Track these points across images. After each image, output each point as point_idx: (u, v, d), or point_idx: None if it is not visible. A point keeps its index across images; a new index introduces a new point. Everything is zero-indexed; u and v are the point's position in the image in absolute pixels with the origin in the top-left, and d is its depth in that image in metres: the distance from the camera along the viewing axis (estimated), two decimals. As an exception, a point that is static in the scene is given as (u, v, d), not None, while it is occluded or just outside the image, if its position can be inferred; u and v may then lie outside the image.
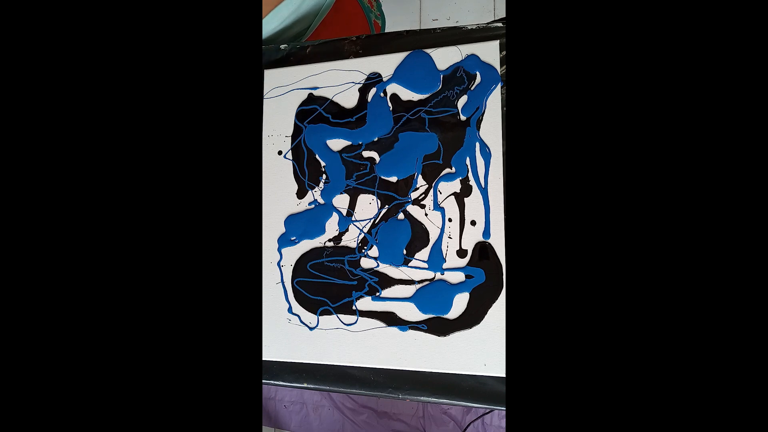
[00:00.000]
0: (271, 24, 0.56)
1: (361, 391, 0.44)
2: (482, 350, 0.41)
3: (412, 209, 0.45)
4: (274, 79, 0.52)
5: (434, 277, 0.44)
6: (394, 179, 0.46)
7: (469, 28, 0.47)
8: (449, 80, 0.46)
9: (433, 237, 0.44)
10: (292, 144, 0.50)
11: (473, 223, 0.43)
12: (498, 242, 0.43)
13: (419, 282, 0.44)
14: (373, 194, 0.47)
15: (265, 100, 0.52)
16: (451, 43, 0.47)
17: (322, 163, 0.48)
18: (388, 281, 0.45)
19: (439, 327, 0.42)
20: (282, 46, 0.53)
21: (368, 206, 0.46)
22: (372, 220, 0.46)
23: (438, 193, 0.45)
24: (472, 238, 0.43)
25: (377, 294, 0.45)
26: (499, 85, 0.45)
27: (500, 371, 0.41)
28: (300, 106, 0.50)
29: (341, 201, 0.47)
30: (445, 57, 0.47)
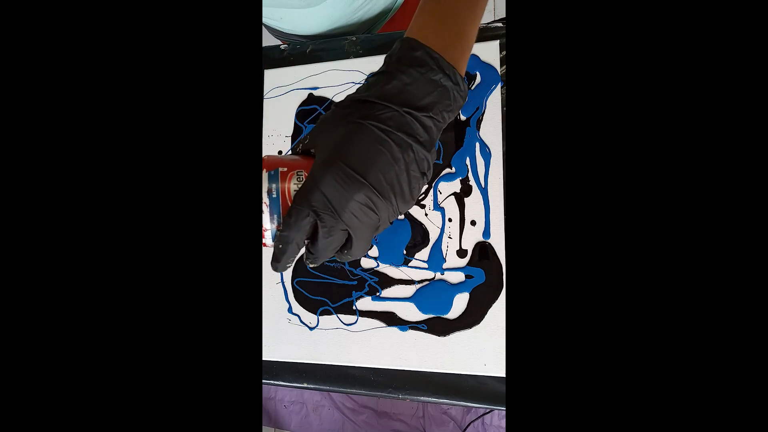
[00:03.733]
0: (339, 21, 0.53)
1: (361, 391, 0.44)
2: (482, 350, 0.41)
3: (412, 209, 0.45)
4: (274, 79, 0.52)
5: (434, 277, 0.44)
6: (394, 179, 0.46)
7: (469, 28, 0.47)
8: (449, 80, 0.46)
9: (433, 237, 0.44)
10: (292, 144, 0.50)
11: (473, 223, 0.43)
12: (498, 242, 0.43)
13: (419, 282, 0.44)
14: (373, 194, 0.47)
15: (265, 100, 0.52)
16: (451, 43, 0.47)
17: (322, 163, 0.48)
18: (388, 281, 0.45)
19: (439, 327, 0.42)
20: (282, 46, 0.54)
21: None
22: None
23: (438, 193, 0.45)
24: (472, 238, 0.43)
25: (377, 294, 0.45)
26: (499, 85, 0.45)
27: (500, 371, 0.41)
28: (300, 106, 0.50)
29: (341, 201, 0.47)
30: (445, 57, 0.47)
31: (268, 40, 0.61)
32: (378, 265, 0.45)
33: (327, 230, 0.26)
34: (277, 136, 0.51)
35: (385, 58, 0.28)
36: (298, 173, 0.28)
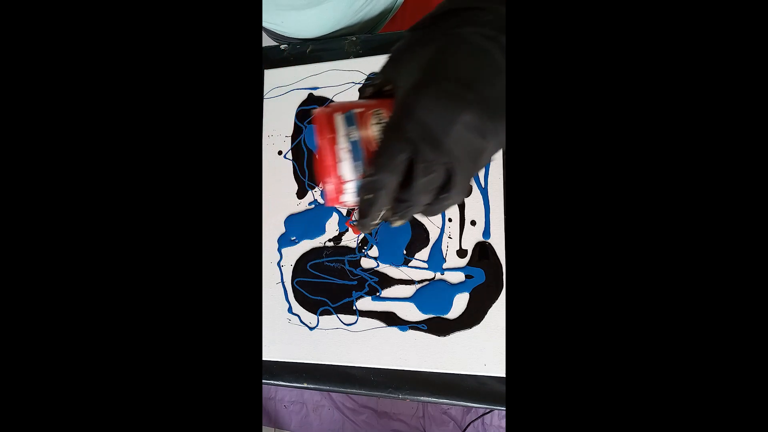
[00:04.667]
0: (341, 22, 0.52)
1: (361, 391, 0.44)
2: (482, 350, 0.41)
3: (412, 209, 0.45)
4: (274, 79, 0.52)
5: (434, 277, 0.44)
6: (394, 179, 0.46)
7: (469, 28, 0.47)
8: (449, 80, 0.46)
9: (433, 237, 0.44)
10: (292, 144, 0.50)
11: (473, 223, 0.43)
12: (498, 242, 0.43)
13: (419, 282, 0.44)
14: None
15: (265, 100, 0.52)
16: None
17: (322, 163, 0.48)
18: (388, 281, 0.44)
19: (439, 327, 0.42)
20: (282, 46, 0.53)
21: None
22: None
23: (438, 193, 0.45)
24: (472, 238, 0.43)
25: (377, 294, 0.45)
26: (499, 85, 0.45)
27: (500, 371, 0.41)
28: (300, 106, 0.50)
29: (341, 201, 0.47)
30: (445, 57, 0.47)
31: (268, 41, 0.61)
32: (378, 265, 0.45)
33: (425, 166, 0.21)
34: (277, 136, 0.51)
35: None
36: (377, 113, 0.23)
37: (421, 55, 0.22)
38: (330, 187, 0.23)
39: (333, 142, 0.23)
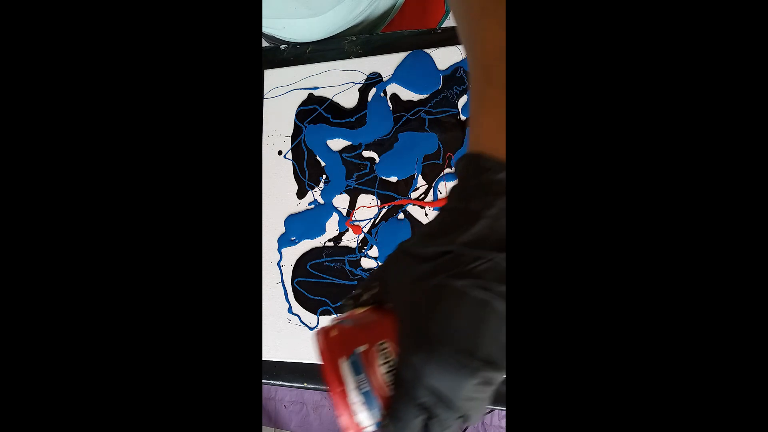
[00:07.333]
0: (346, 18, 0.52)
1: (361, 391, 0.44)
2: (482, 350, 0.41)
3: (412, 209, 0.45)
4: (274, 79, 0.52)
5: (434, 277, 0.43)
6: (394, 179, 0.46)
7: (469, 28, 0.47)
8: (449, 80, 0.46)
9: (433, 237, 0.44)
10: (292, 144, 0.50)
11: (473, 223, 0.43)
12: (498, 242, 0.42)
13: (419, 282, 0.44)
14: (373, 194, 0.47)
15: (265, 100, 0.52)
16: (451, 43, 0.47)
17: (322, 163, 0.48)
18: (388, 281, 0.44)
19: (439, 327, 0.42)
20: (282, 47, 0.54)
21: (368, 206, 0.46)
22: (372, 220, 0.46)
23: (438, 193, 0.45)
24: (472, 238, 0.43)
25: (377, 294, 0.45)
26: (499, 85, 0.45)
27: (500, 371, 0.40)
28: (300, 106, 0.50)
29: (341, 201, 0.47)
30: (445, 57, 0.47)
31: (266, 41, 0.61)
32: (378, 266, 0.45)
33: (441, 423, 0.22)
34: (277, 136, 0.51)
35: (458, 183, 0.23)
36: (381, 346, 0.23)
37: (418, 296, 0.22)
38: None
39: (344, 395, 0.23)
